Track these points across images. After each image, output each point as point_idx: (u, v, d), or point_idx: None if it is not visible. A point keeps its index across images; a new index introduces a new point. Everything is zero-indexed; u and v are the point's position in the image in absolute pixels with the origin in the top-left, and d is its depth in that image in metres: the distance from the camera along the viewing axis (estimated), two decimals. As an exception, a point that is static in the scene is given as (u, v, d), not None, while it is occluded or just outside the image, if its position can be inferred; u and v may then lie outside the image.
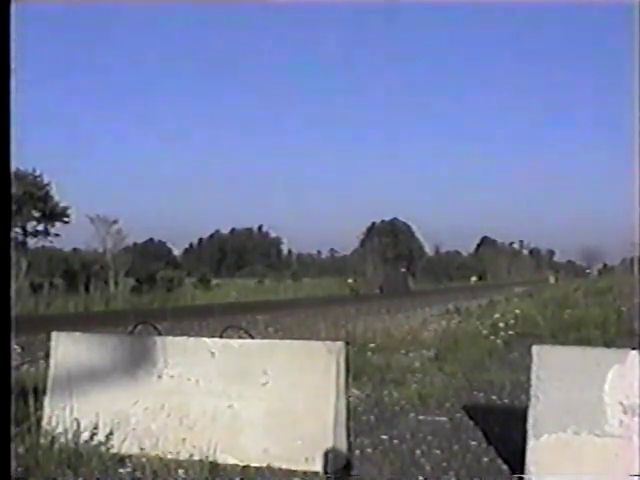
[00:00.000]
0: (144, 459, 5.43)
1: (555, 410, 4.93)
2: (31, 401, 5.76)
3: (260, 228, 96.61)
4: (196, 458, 5.35)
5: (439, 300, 27.73)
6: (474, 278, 72.97)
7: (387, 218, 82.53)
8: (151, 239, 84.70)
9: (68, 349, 6.06)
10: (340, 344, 5.62)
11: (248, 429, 5.49)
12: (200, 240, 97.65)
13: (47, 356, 6.29)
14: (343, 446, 5.44)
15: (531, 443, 4.95)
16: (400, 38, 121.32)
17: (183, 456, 5.42)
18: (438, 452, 5.96)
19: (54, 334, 6.19)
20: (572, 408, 4.89)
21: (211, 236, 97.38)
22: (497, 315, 16.53)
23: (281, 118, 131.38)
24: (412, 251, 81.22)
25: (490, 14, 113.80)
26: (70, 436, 5.58)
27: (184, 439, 5.53)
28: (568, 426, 4.88)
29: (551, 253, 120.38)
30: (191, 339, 6.15)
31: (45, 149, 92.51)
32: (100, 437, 5.63)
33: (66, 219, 36.34)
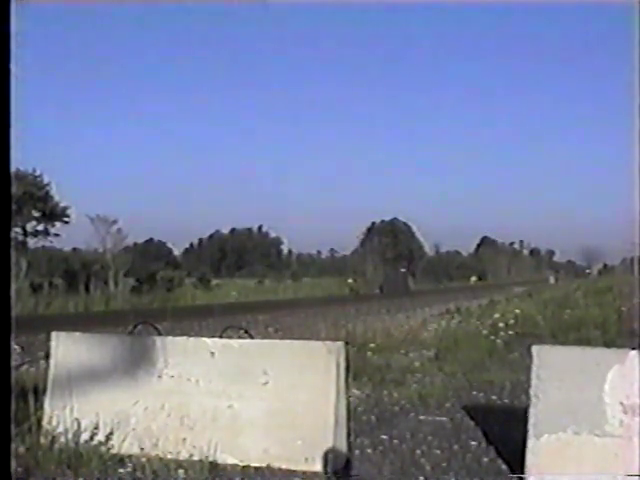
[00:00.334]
0: (144, 459, 5.43)
1: (555, 410, 4.93)
2: (31, 401, 5.77)
3: (260, 228, 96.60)
4: (196, 458, 5.35)
5: (439, 300, 27.72)
6: (474, 278, 72.92)
7: (387, 218, 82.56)
8: (151, 239, 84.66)
9: (68, 349, 6.06)
10: (340, 344, 5.62)
11: (248, 429, 5.49)
12: (200, 240, 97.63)
13: (47, 356, 6.29)
14: (343, 446, 5.44)
15: (531, 443, 4.95)
16: (401, 38, 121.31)
17: (183, 456, 5.43)
18: (438, 452, 5.96)
19: (54, 334, 6.19)
20: (572, 408, 4.89)
21: (211, 236, 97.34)
22: (497, 315, 16.52)
23: (281, 118, 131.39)
24: (412, 251, 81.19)
25: (490, 14, 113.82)
26: (70, 436, 5.59)
27: (184, 439, 5.53)
28: (568, 426, 4.88)
29: (551, 253, 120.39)
30: (191, 339, 6.15)
31: (45, 149, 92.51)
32: (100, 437, 5.63)
33: (66, 219, 36.41)
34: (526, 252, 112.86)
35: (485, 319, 16.56)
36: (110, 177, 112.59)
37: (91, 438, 5.62)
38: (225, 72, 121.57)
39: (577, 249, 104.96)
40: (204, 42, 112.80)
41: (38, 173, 35.81)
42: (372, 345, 11.65)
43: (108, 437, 5.62)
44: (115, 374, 5.86)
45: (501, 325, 14.70)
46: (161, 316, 14.19)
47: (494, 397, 8.41)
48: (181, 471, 5.21)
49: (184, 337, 6.32)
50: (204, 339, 6.04)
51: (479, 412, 7.30)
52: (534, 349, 5.11)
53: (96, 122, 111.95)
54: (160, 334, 7.39)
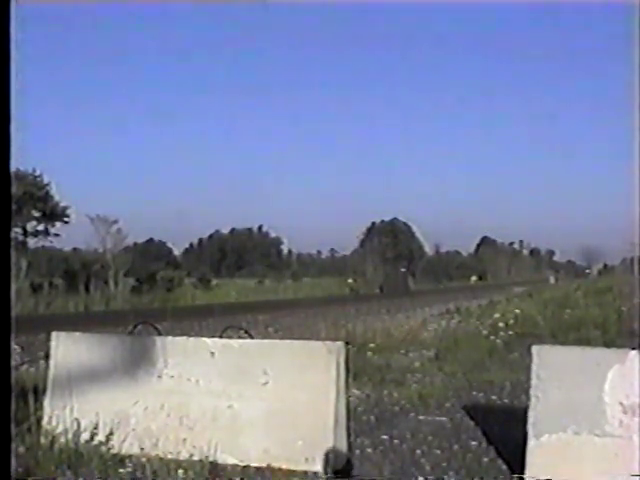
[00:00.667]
0: (144, 459, 5.43)
1: (555, 410, 4.93)
2: (31, 401, 5.77)
3: (260, 228, 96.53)
4: (196, 458, 5.35)
5: (439, 300, 27.72)
6: (474, 278, 72.99)
7: (387, 218, 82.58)
8: (151, 239, 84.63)
9: (68, 349, 6.06)
10: (340, 344, 5.62)
11: (248, 429, 5.49)
12: (200, 240, 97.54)
13: (47, 356, 6.29)
14: (343, 446, 5.43)
15: (531, 443, 4.95)
16: (399, 38, 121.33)
17: (183, 456, 5.43)
18: (438, 452, 5.96)
19: (54, 334, 6.19)
20: (572, 408, 4.89)
21: (211, 236, 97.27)
22: (497, 315, 16.54)
23: (281, 118, 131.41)
24: (412, 251, 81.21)
25: (490, 14, 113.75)
26: (70, 436, 5.59)
27: (184, 439, 5.53)
28: (568, 426, 4.88)
29: (551, 253, 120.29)
30: (191, 339, 6.15)
31: (45, 149, 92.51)
32: (100, 437, 5.63)
33: (66, 219, 36.37)
34: (526, 252, 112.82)
35: (485, 319, 16.58)
36: (110, 177, 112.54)
37: (91, 438, 5.62)
38: (225, 72, 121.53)
39: (577, 249, 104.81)
40: (204, 42, 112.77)
41: (38, 173, 35.84)
42: (372, 345, 11.65)
43: (108, 437, 5.62)
44: (115, 374, 5.86)
45: (501, 325, 14.71)
46: (161, 316, 14.18)
47: (494, 397, 8.41)
48: (181, 471, 5.21)
49: (184, 337, 6.32)
50: (204, 339, 6.04)
51: (479, 412, 7.30)
52: (534, 349, 5.11)
53: (96, 122, 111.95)
54: (160, 334, 7.39)
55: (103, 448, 5.53)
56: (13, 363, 6.98)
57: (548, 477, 4.85)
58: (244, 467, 5.36)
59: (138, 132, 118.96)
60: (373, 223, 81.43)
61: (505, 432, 6.22)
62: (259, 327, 15.94)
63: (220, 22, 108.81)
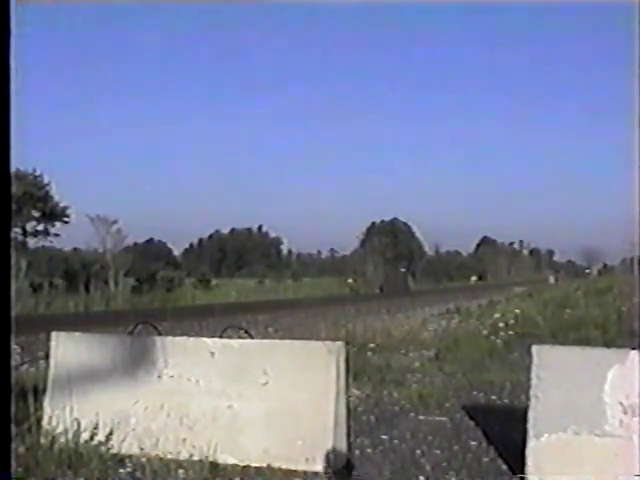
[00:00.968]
0: (144, 459, 5.43)
1: (555, 410, 4.93)
2: (31, 401, 5.77)
3: (260, 228, 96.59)
4: (196, 458, 5.35)
5: (439, 300, 27.72)
6: (474, 278, 73.02)
7: (387, 218, 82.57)
8: (151, 239, 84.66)
9: (68, 349, 6.06)
10: (340, 344, 5.62)
11: (248, 429, 5.48)
12: (200, 240, 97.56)
13: (47, 356, 6.28)
14: (343, 446, 5.43)
15: (531, 443, 4.95)
16: (401, 38, 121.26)
17: (183, 456, 5.42)
18: (438, 452, 5.96)
19: (54, 334, 6.19)
20: (572, 408, 4.89)
21: (211, 236, 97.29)
22: (497, 315, 16.54)
23: (281, 118, 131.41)
24: (412, 251, 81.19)
25: (490, 14, 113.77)
26: (70, 436, 5.58)
27: (184, 439, 5.53)
28: (568, 426, 4.88)
29: (551, 253, 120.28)
30: (191, 339, 6.15)
31: (45, 149, 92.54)
32: (100, 437, 5.63)
33: (66, 219, 36.40)
34: (526, 252, 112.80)
35: (485, 319, 16.58)
36: (110, 177, 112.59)
37: (91, 438, 5.62)
38: (225, 72, 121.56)
39: (577, 249, 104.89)
40: (204, 42, 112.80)
41: (38, 173, 35.86)
42: (372, 345, 11.66)
43: (108, 437, 5.62)
44: (115, 374, 5.86)
45: (501, 325, 14.72)
46: (161, 316, 14.18)
47: (494, 397, 8.41)
48: (181, 471, 5.21)
49: (184, 337, 6.32)
50: (204, 339, 6.04)
51: (479, 412, 7.30)
52: (534, 349, 5.11)
53: (96, 122, 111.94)
54: (160, 334, 7.38)
55: (103, 448, 5.52)
56: (13, 363, 6.98)
57: (548, 477, 4.85)
58: (244, 467, 5.36)
59: (138, 132, 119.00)
60: (373, 223, 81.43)
61: (505, 432, 6.23)
62: (259, 327, 15.94)
63: (220, 20, 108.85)
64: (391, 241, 76.13)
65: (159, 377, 5.75)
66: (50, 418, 5.79)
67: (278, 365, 5.54)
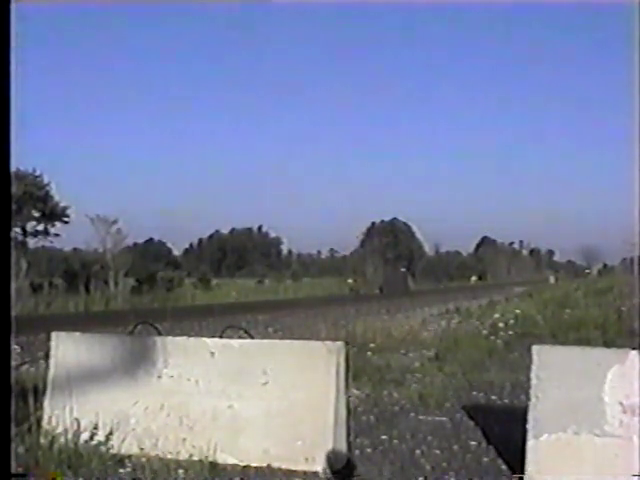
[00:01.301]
0: (144, 459, 5.43)
1: (555, 410, 4.93)
2: (31, 401, 5.77)
3: (260, 228, 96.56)
4: (196, 458, 5.35)
5: (439, 300, 27.72)
6: (474, 278, 73.08)
7: (387, 218, 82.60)
8: (151, 239, 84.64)
9: (68, 349, 6.06)
10: (340, 344, 5.62)
11: (248, 429, 5.48)
12: (200, 240, 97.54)
13: (47, 356, 6.28)
14: (343, 446, 5.43)
15: (531, 443, 4.95)
16: (401, 39, 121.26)
17: (183, 456, 5.42)
18: (438, 452, 5.96)
19: (54, 334, 6.19)
20: (572, 408, 4.89)
21: (211, 236, 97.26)
22: (497, 315, 16.55)
23: (281, 118, 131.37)
24: (412, 251, 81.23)
25: (490, 14, 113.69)
26: (70, 436, 5.58)
27: (184, 439, 5.52)
28: (568, 426, 4.88)
29: (551, 253, 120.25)
30: (191, 339, 6.15)
31: (45, 149, 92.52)
32: (100, 437, 5.63)
33: (66, 219, 36.39)
34: (526, 252, 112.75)
35: (485, 319, 16.59)
36: (110, 177, 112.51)
37: (91, 438, 5.62)
38: (224, 72, 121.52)
39: (577, 249, 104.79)
40: (204, 42, 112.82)
41: (38, 173, 35.85)
42: (372, 345, 11.66)
43: (108, 437, 5.62)
44: (115, 374, 5.85)
45: (501, 325, 14.72)
46: (161, 316, 14.18)
47: (494, 397, 8.41)
48: (181, 471, 5.21)
49: (184, 337, 6.32)
50: (204, 339, 6.04)
51: (479, 412, 7.29)
52: (534, 349, 5.11)
53: (96, 122, 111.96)
54: (160, 334, 7.38)
55: (103, 448, 5.52)
56: (13, 363, 6.98)
57: (548, 477, 4.85)
58: (244, 467, 5.36)
59: (138, 132, 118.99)
60: (373, 223, 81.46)
61: (505, 432, 6.22)
62: (259, 327, 15.95)
63: (222, 21, 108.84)
64: (391, 241, 76.17)
65: (159, 377, 5.75)
66: (50, 418, 5.78)
67: (278, 365, 5.54)
